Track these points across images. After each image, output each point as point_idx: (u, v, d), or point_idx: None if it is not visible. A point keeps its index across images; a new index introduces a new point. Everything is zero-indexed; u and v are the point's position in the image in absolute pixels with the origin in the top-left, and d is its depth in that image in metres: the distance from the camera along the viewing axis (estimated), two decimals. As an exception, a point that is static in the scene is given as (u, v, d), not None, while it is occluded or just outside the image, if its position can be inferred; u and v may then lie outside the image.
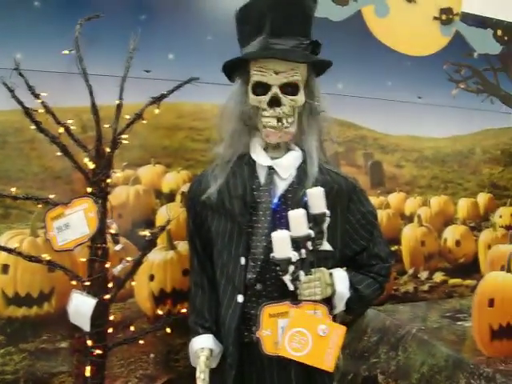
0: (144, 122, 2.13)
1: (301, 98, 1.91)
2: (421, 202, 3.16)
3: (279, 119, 1.88)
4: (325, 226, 1.82)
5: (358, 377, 2.65)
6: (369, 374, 2.60)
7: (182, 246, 2.35)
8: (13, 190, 2.07)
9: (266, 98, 1.88)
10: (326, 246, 1.88)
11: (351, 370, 2.68)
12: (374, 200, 2.94)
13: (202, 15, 2.49)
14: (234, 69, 1.96)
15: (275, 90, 1.87)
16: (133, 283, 2.21)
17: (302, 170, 1.95)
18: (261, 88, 1.89)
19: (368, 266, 2.03)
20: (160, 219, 2.36)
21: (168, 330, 2.25)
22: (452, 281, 3.22)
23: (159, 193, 2.42)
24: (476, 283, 2.52)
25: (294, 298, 1.82)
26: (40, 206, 2.08)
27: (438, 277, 3.18)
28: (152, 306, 2.34)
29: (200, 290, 2.06)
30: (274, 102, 1.87)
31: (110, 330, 2.13)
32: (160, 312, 2.33)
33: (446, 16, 3.15)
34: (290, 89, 1.89)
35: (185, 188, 2.35)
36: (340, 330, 1.80)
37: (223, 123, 1.99)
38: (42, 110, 2.04)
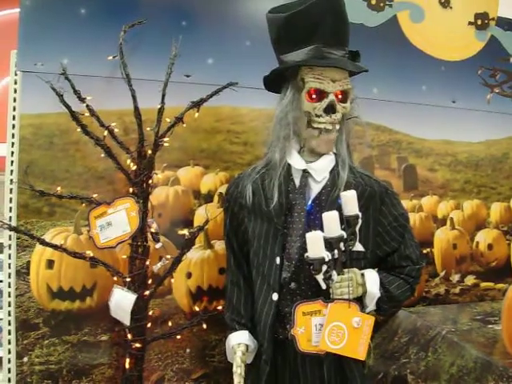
0: (184, 125, 2.22)
1: (349, 105, 1.98)
2: (453, 206, 3.17)
3: (333, 125, 1.95)
4: (357, 227, 1.88)
5: (388, 376, 2.68)
6: (399, 374, 2.63)
7: (219, 245, 2.40)
8: (58, 189, 2.18)
9: (322, 105, 1.94)
10: (358, 246, 1.94)
11: (381, 369, 2.71)
12: (407, 203, 2.97)
13: (241, 21, 2.55)
14: (280, 75, 2.02)
15: (332, 97, 1.93)
16: (172, 280, 2.28)
17: (335, 173, 2.01)
18: (316, 95, 1.95)
19: (399, 267, 2.07)
20: (198, 219, 2.42)
21: (204, 326, 2.32)
22: (484, 284, 3.22)
23: (197, 193, 2.47)
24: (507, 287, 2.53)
25: (326, 296, 1.88)
26: (84, 204, 2.19)
27: (470, 280, 3.19)
28: (189, 303, 2.40)
29: (236, 288, 2.13)
30: (330, 109, 1.94)
31: (149, 325, 2.22)
32: (196, 308, 2.38)
33: (481, 21, 3.16)
34: (341, 96, 1.96)
35: (222, 189, 2.40)
36: (370, 320, 1.87)
37: (276, 128, 2.03)
38: (87, 114, 2.14)
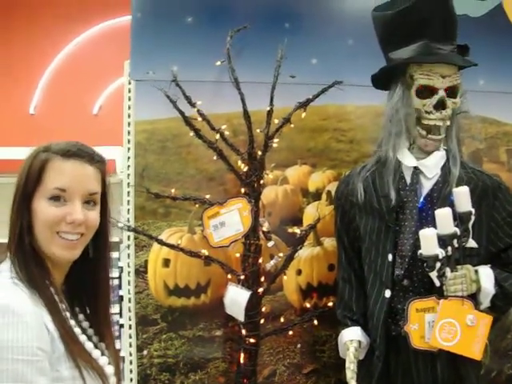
0: (291, 125, 2.26)
1: (459, 100, 1.98)
2: None
3: (443, 122, 1.95)
4: (470, 223, 1.86)
5: (502, 375, 2.62)
6: (514, 373, 2.57)
7: (328, 243, 2.41)
8: (172, 191, 2.28)
9: (432, 101, 1.94)
10: (472, 243, 1.93)
11: (494, 367, 2.66)
12: (517, 196, 2.88)
13: (342, 20, 2.54)
14: (388, 72, 2.05)
15: (442, 93, 1.94)
16: (284, 277, 2.33)
17: (446, 169, 2.00)
18: (425, 91, 1.96)
19: (514, 263, 2.03)
20: (307, 217, 2.43)
21: (315, 322, 2.34)
22: None
23: (306, 192, 2.48)
24: None
25: (440, 293, 1.88)
26: (197, 205, 2.27)
27: None
28: (299, 299, 2.42)
29: (348, 284, 2.15)
30: (440, 105, 1.94)
31: (262, 321, 2.27)
32: (307, 305, 2.41)
33: None
34: (451, 92, 1.96)
35: (330, 187, 2.41)
36: (487, 320, 1.85)
37: (387, 126, 2.05)
38: (198, 118, 2.22)
